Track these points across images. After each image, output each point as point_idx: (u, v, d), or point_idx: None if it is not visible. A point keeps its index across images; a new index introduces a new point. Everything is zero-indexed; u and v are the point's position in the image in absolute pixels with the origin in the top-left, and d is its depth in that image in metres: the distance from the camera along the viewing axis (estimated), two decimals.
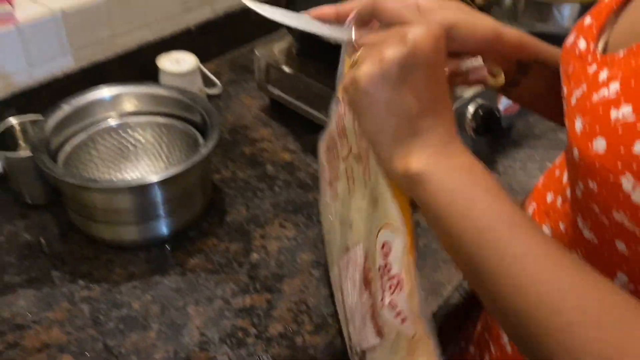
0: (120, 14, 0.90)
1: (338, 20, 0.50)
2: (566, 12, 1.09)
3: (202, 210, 0.74)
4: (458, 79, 0.50)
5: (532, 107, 0.62)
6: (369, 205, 0.50)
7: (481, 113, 0.80)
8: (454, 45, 0.48)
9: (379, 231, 0.47)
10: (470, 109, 0.81)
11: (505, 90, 0.56)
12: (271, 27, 1.17)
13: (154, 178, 0.62)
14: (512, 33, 0.51)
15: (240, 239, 0.71)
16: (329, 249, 0.65)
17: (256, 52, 0.90)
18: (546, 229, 0.50)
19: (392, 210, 0.45)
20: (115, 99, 0.76)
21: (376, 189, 0.48)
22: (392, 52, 0.39)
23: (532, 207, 0.55)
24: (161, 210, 0.67)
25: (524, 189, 0.81)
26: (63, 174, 0.62)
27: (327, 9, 0.50)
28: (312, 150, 0.86)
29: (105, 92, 0.76)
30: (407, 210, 0.45)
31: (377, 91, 0.40)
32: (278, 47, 0.91)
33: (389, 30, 0.42)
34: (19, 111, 0.83)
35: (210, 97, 0.98)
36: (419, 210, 0.41)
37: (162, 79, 0.91)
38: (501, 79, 0.51)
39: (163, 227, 0.69)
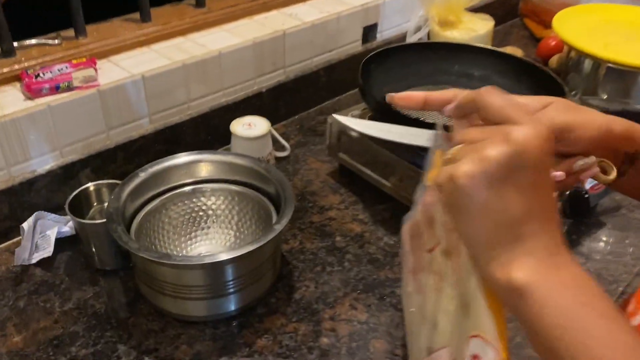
0: (197, 79, 0.91)
1: (425, 107, 0.48)
2: None
3: (271, 284, 0.71)
4: (569, 179, 0.47)
5: (638, 197, 0.57)
6: (459, 309, 0.46)
7: (569, 195, 0.75)
8: (565, 147, 0.45)
9: (469, 340, 0.43)
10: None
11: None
12: (338, 91, 1.17)
13: (226, 256, 0.60)
14: (621, 125, 0.48)
15: (310, 320, 0.68)
16: (410, 341, 0.60)
17: (329, 118, 0.89)
18: None
19: (486, 322, 0.41)
20: (190, 166, 0.76)
21: (468, 293, 0.45)
22: (495, 151, 0.36)
23: None
24: (231, 287, 0.65)
25: (614, 275, 0.75)
26: (137, 249, 0.61)
27: (415, 94, 0.48)
28: (382, 222, 0.83)
29: (180, 158, 0.76)
30: (503, 323, 0.41)
31: (478, 192, 0.37)
32: (351, 114, 0.89)
33: (492, 127, 0.39)
34: (94, 171, 0.84)
35: (278, 159, 0.97)
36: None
37: (234, 142, 0.91)
38: (613, 174, 0.48)
39: (231, 304, 0.66)
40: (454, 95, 0.45)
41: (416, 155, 0.79)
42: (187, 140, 0.93)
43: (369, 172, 0.86)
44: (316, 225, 0.83)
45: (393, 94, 0.49)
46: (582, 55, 1.10)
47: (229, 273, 0.64)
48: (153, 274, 0.64)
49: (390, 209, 0.86)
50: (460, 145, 0.40)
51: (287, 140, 1.02)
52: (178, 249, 0.75)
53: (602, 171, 0.48)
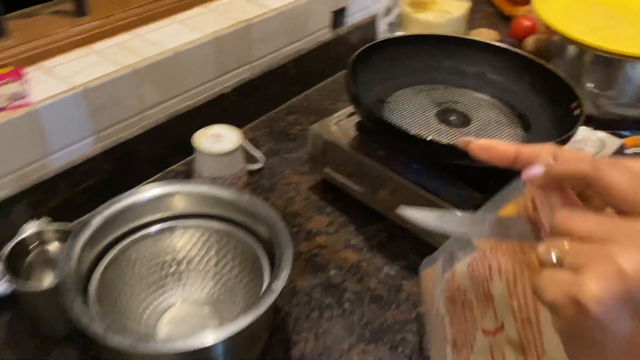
0: (150, 85, 0.77)
1: (515, 164, 0.36)
2: (638, 72, 0.97)
3: (265, 344, 0.60)
4: None
5: None
6: None
7: None
8: None
9: None
10: None
11: None
12: (307, 84, 1.04)
13: (212, 339, 0.48)
14: None
15: None
16: None
17: (311, 129, 0.77)
18: None
19: None
20: (156, 201, 0.62)
21: None
22: (631, 262, 0.26)
23: None
24: None
25: None
26: (104, 335, 0.48)
27: (502, 147, 0.36)
28: (379, 247, 0.74)
29: (143, 194, 0.62)
30: None
31: (618, 324, 0.27)
32: (334, 123, 0.78)
33: (618, 220, 0.29)
34: (32, 206, 0.69)
35: (251, 173, 0.84)
36: None
37: (200, 159, 0.77)
38: None
39: None
40: (552, 153, 0.34)
41: (408, 170, 0.69)
42: (142, 157, 0.79)
43: (357, 187, 0.76)
44: (306, 256, 0.72)
45: (469, 140, 0.37)
46: (565, 40, 1.02)
47: (217, 351, 0.52)
48: (123, 356, 0.52)
49: (385, 230, 0.76)
50: (571, 243, 0.29)
51: (257, 147, 0.89)
52: (145, 306, 0.62)
53: None
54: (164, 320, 0.62)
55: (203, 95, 0.85)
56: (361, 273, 0.70)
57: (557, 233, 0.30)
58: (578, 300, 0.27)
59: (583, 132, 0.76)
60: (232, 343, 0.53)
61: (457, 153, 0.64)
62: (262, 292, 0.54)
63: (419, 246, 0.73)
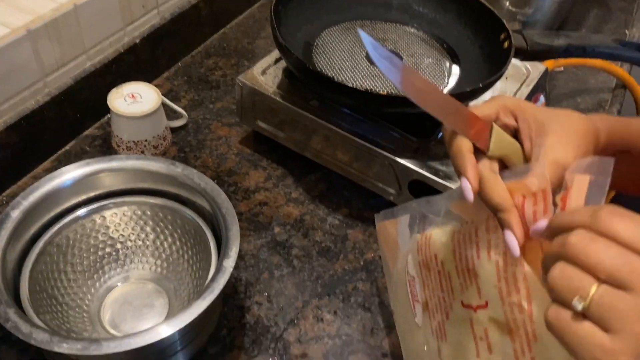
0: (49, 46, 0.68)
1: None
2: None
3: (218, 316, 0.59)
4: None
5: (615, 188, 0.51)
6: None
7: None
8: None
9: None
10: None
11: None
12: (222, 22, 0.98)
13: (169, 329, 0.46)
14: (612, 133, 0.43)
15: (274, 349, 0.58)
16: (408, 356, 0.53)
17: (238, 81, 0.72)
18: None
19: None
20: (80, 182, 0.57)
21: None
22: None
23: None
24: (179, 346, 0.52)
25: None
26: (48, 342, 0.44)
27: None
28: (320, 198, 0.73)
29: (64, 176, 0.56)
30: None
31: None
32: (261, 72, 0.73)
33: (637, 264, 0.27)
34: None
35: (175, 130, 0.79)
36: None
37: (117, 123, 0.71)
38: None
39: (180, 359, 0.54)
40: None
41: (341, 118, 0.67)
42: (52, 126, 0.71)
43: (290, 137, 0.73)
44: (247, 216, 0.70)
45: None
46: None
47: (175, 336, 0.50)
48: (73, 357, 0.49)
49: (324, 180, 0.75)
50: (596, 289, 0.28)
51: (177, 100, 0.83)
52: (86, 292, 0.58)
53: None
54: (107, 304, 0.59)
55: (110, 50, 0.77)
56: (306, 227, 0.69)
57: (571, 258, 0.29)
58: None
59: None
60: (187, 328, 0.51)
61: (390, 100, 0.62)
62: (211, 270, 0.52)
63: (359, 192, 0.73)
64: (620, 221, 0.28)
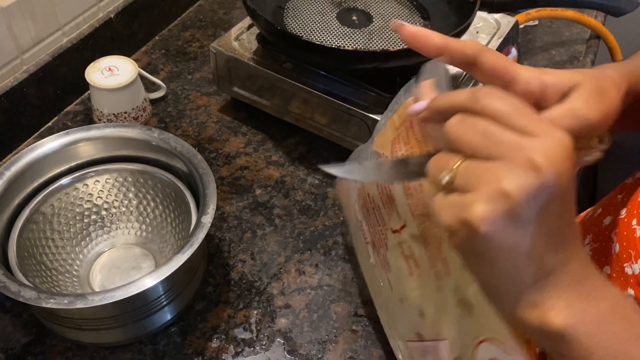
0: (23, 23, 0.69)
1: (440, 54, 0.38)
2: None
3: (203, 273, 0.61)
4: None
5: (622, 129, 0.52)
6: (455, 305, 0.41)
7: None
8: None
9: (479, 342, 0.39)
10: None
11: None
12: None
13: (149, 282, 0.48)
14: (629, 87, 0.42)
15: (258, 302, 0.60)
16: (376, 300, 0.56)
17: (212, 48, 0.73)
18: None
19: (501, 328, 0.37)
20: (61, 151, 0.59)
21: (468, 295, 0.40)
22: (517, 183, 0.28)
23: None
24: (164, 300, 0.54)
25: None
26: (36, 298, 0.46)
27: (432, 36, 0.39)
28: (300, 160, 0.75)
29: (43, 147, 0.58)
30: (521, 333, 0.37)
31: (503, 238, 0.30)
32: (235, 38, 0.74)
33: (502, 138, 0.30)
34: None
35: (155, 102, 0.80)
36: None
37: (96, 96, 0.73)
38: (609, 140, 0.43)
39: (167, 314, 0.56)
40: (478, 51, 0.37)
41: (316, 79, 0.69)
42: (32, 103, 0.73)
43: (268, 102, 0.74)
44: (228, 180, 0.72)
45: (402, 23, 0.38)
46: None
47: (160, 289, 0.52)
48: (63, 314, 0.51)
49: (305, 142, 0.76)
50: (460, 163, 0.31)
51: (156, 73, 0.85)
52: (74, 258, 0.60)
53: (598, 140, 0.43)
54: (96, 269, 0.61)
55: (86, 26, 0.78)
56: (286, 188, 0.71)
57: (448, 145, 0.32)
58: (468, 221, 0.29)
59: (479, 15, 0.78)
60: (171, 282, 0.53)
61: (362, 57, 0.64)
62: (192, 227, 0.54)
63: (338, 152, 0.74)
64: (493, 98, 0.30)
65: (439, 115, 0.34)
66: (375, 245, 0.51)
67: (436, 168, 0.32)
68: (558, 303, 0.31)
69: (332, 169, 0.40)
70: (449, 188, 0.31)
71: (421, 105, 0.34)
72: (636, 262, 0.44)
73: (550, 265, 0.31)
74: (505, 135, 0.29)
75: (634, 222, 0.46)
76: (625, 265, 0.46)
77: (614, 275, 0.47)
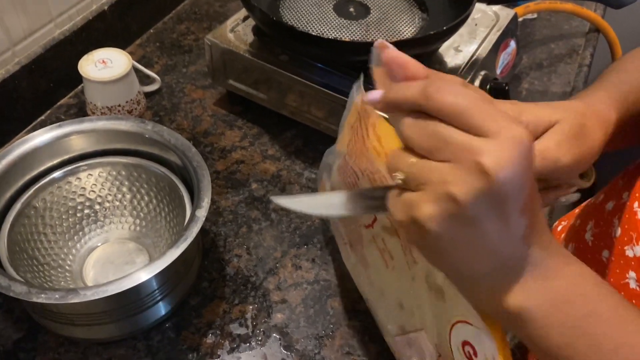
0: (14, 15, 0.68)
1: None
2: None
3: (198, 268, 0.60)
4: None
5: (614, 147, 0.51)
6: (429, 292, 0.41)
7: (489, 89, 0.70)
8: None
9: (452, 325, 0.39)
10: (477, 83, 0.71)
11: None
12: None
13: (142, 277, 0.47)
14: (623, 114, 0.44)
15: (254, 296, 0.59)
16: (367, 302, 0.55)
17: (207, 40, 0.72)
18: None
19: (469, 309, 0.36)
20: (53, 144, 0.58)
21: (438, 280, 0.40)
22: (463, 189, 0.28)
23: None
24: (158, 295, 0.53)
25: None
26: (27, 293, 0.45)
27: (414, 65, 0.34)
28: (297, 153, 0.74)
29: (35, 140, 0.57)
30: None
31: (451, 234, 0.30)
32: (230, 30, 0.73)
33: (453, 139, 0.29)
34: None
35: (149, 95, 0.79)
36: None
37: (89, 88, 0.72)
38: (593, 177, 0.43)
39: (161, 309, 0.55)
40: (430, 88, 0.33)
41: (312, 72, 0.68)
42: (25, 96, 0.72)
43: (264, 95, 0.73)
44: (224, 174, 0.71)
45: (385, 44, 0.34)
46: None
47: (153, 284, 0.51)
48: (55, 309, 0.50)
49: (301, 136, 0.76)
50: (412, 161, 0.30)
51: (150, 66, 0.84)
52: (67, 253, 0.59)
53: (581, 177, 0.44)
54: (89, 264, 0.60)
55: (79, 18, 0.77)
56: (283, 182, 0.70)
57: (403, 142, 0.32)
58: (417, 220, 0.30)
59: (478, 8, 0.77)
60: (165, 276, 0.52)
61: (358, 49, 0.63)
62: (186, 222, 0.53)
63: None
64: (444, 95, 0.29)
65: (395, 109, 0.33)
66: (353, 245, 0.50)
67: (391, 167, 0.32)
68: (512, 286, 0.31)
69: (286, 202, 0.37)
70: (402, 186, 0.32)
71: (376, 95, 0.33)
72: (637, 244, 0.44)
73: (505, 254, 0.31)
74: (455, 137, 0.29)
75: (636, 204, 0.45)
76: (626, 247, 0.45)
77: (613, 258, 0.47)
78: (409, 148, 0.31)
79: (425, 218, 0.29)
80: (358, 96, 0.45)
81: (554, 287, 0.32)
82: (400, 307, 0.46)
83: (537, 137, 0.39)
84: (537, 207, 0.31)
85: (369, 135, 0.42)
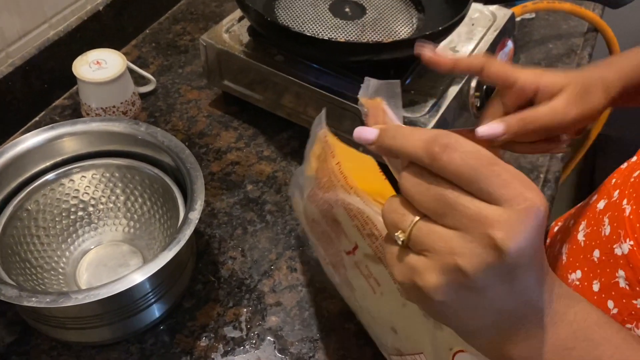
0: (8, 15, 0.67)
1: (453, 71, 0.49)
2: None
3: (192, 271, 0.60)
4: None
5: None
6: (423, 318, 0.40)
7: (485, 89, 0.70)
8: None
9: (454, 353, 0.38)
10: (473, 84, 0.70)
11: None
12: None
13: (134, 280, 0.47)
14: (626, 83, 0.50)
15: (249, 299, 0.59)
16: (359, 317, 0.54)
17: (202, 40, 0.71)
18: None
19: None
20: (46, 146, 0.57)
21: None
22: (472, 261, 0.27)
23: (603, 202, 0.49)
24: (151, 298, 0.53)
25: (532, 162, 0.74)
26: (17, 297, 0.45)
27: (444, 58, 0.48)
28: (292, 155, 0.73)
29: (26, 142, 0.56)
30: None
31: (455, 303, 0.29)
32: (225, 30, 0.73)
33: (459, 210, 0.27)
34: None
35: (144, 96, 0.79)
36: None
37: (83, 89, 0.71)
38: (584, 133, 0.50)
39: (155, 312, 0.55)
40: (483, 63, 0.46)
41: (308, 72, 0.67)
42: (19, 97, 0.71)
43: (260, 96, 0.73)
44: (219, 176, 0.70)
45: (423, 45, 0.47)
46: None
47: (146, 287, 0.51)
48: (47, 312, 0.50)
49: (297, 137, 0.75)
50: (414, 222, 0.29)
51: (146, 66, 0.83)
52: (60, 255, 0.59)
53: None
54: (82, 267, 0.60)
55: (73, 18, 0.76)
56: (278, 183, 0.70)
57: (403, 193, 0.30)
58: (421, 288, 0.28)
59: (475, 8, 0.77)
60: (158, 279, 0.52)
61: (354, 50, 0.62)
62: (179, 224, 0.52)
63: None
64: (452, 156, 0.27)
65: (391, 155, 0.31)
66: (335, 266, 0.49)
67: (391, 223, 0.30)
68: (516, 336, 0.30)
69: None
70: (403, 246, 0.30)
71: (369, 135, 0.32)
72: (625, 242, 0.43)
73: (511, 311, 0.30)
74: (464, 204, 0.27)
75: (624, 202, 0.45)
76: (615, 246, 0.45)
77: (604, 258, 0.46)
78: (407, 201, 0.29)
79: (430, 288, 0.28)
80: (321, 130, 0.45)
81: (558, 334, 0.31)
82: (393, 331, 0.45)
83: (551, 97, 0.47)
84: (543, 257, 0.30)
85: (334, 172, 0.41)
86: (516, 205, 0.26)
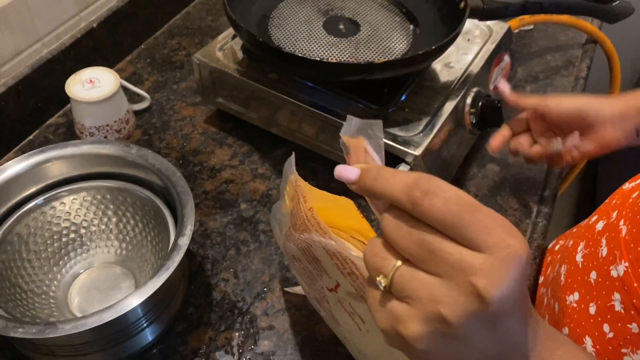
0: (1, 37, 0.67)
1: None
2: None
3: (184, 293, 0.59)
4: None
5: None
6: None
7: (481, 106, 0.69)
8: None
9: None
10: (468, 100, 0.69)
11: None
12: (184, 2, 0.96)
13: (133, 301, 0.46)
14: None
15: (241, 323, 0.58)
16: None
17: (195, 59, 0.71)
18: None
19: None
20: (33, 170, 0.57)
21: None
22: (455, 310, 0.26)
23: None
24: (144, 323, 0.52)
25: (529, 178, 0.73)
26: (4, 327, 0.44)
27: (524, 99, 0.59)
28: None
29: (14, 167, 0.56)
30: None
31: (438, 350, 0.28)
32: (219, 48, 0.72)
33: (441, 257, 0.27)
34: None
35: (139, 113, 0.78)
36: None
37: (77, 109, 0.71)
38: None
39: (147, 336, 0.54)
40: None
41: (302, 91, 0.67)
42: (12, 116, 0.71)
43: (254, 114, 0.73)
44: (213, 194, 0.70)
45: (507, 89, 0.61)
46: None
47: (138, 312, 0.50)
48: (36, 341, 0.49)
49: (290, 154, 0.74)
50: (396, 268, 0.28)
51: (141, 82, 0.83)
52: (51, 279, 0.59)
53: None
54: (74, 290, 0.59)
55: (67, 36, 0.76)
56: (272, 201, 0.69)
57: (385, 237, 0.30)
58: (403, 336, 0.28)
59: (470, 24, 0.76)
60: (147, 306, 0.51)
61: (348, 69, 0.62)
62: (169, 249, 0.52)
63: (326, 164, 0.72)
64: (433, 202, 0.27)
65: (372, 197, 0.31)
66: (320, 301, 0.48)
67: (373, 267, 0.30)
68: None
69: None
70: (385, 291, 0.30)
71: (350, 175, 0.31)
72: (620, 263, 0.42)
73: (496, 355, 0.29)
74: (446, 250, 0.27)
75: (621, 222, 0.44)
76: (611, 268, 0.44)
77: (600, 280, 0.46)
78: (389, 244, 0.29)
79: (412, 338, 0.28)
80: (292, 175, 0.44)
81: None
82: None
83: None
84: (527, 300, 0.30)
85: (307, 217, 0.40)
86: (498, 252, 0.26)
